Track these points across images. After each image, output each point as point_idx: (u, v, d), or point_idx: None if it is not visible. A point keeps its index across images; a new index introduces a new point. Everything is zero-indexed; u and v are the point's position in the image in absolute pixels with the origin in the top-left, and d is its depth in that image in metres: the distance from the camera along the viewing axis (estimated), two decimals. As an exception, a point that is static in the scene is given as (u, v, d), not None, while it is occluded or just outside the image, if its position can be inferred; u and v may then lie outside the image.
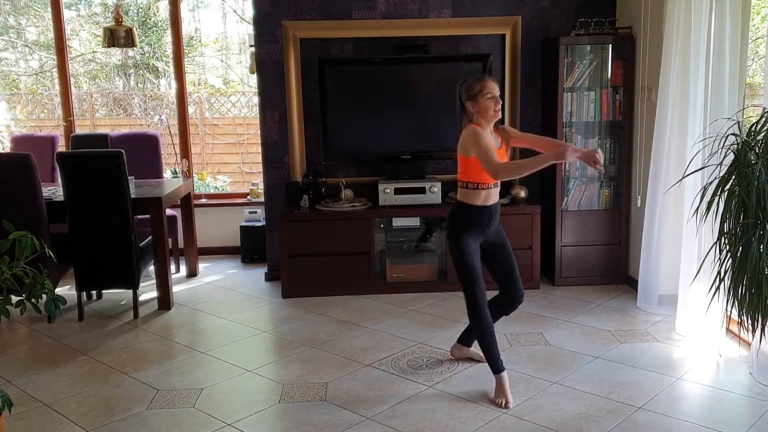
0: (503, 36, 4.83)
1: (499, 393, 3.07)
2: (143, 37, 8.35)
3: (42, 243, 2.48)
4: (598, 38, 4.55)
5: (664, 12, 3.95)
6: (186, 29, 6.80)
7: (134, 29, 5.37)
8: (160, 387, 3.30)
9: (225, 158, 7.45)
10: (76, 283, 4.25)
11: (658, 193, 4.02)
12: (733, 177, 2.93)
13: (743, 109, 3.55)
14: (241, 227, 5.62)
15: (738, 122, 3.05)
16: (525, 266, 4.67)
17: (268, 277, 5.11)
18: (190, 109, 6.43)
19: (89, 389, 3.29)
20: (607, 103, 4.61)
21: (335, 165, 4.94)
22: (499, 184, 3.14)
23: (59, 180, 4.16)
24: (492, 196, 3.12)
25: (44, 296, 2.46)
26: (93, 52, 8.33)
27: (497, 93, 3.04)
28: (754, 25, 3.85)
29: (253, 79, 5.15)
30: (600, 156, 2.85)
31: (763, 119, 2.92)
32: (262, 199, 5.42)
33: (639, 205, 4.46)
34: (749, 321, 2.97)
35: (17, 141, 5.39)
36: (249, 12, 4.94)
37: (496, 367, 3.09)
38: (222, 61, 8.65)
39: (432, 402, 3.06)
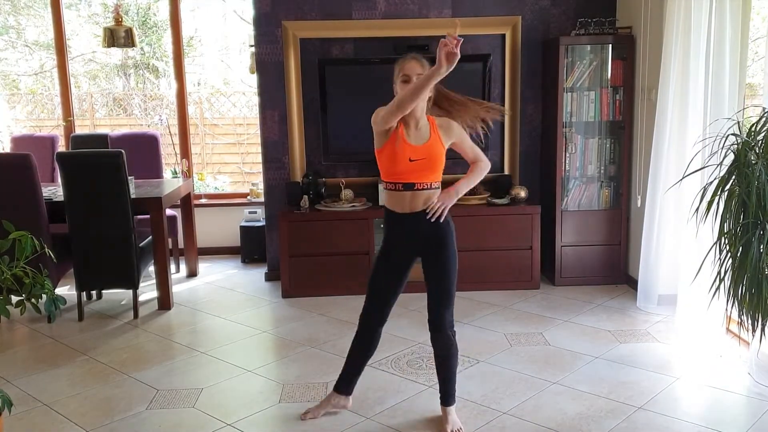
0: (503, 36, 4.84)
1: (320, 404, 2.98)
2: (143, 37, 8.35)
3: (42, 243, 2.48)
4: (598, 38, 4.55)
5: (664, 12, 3.95)
6: (186, 29, 6.79)
7: (134, 29, 5.37)
8: (160, 387, 3.30)
9: (225, 158, 7.45)
10: (76, 283, 4.25)
11: (658, 193, 4.02)
12: (733, 177, 2.93)
13: (743, 109, 3.55)
14: (241, 227, 5.62)
15: (738, 122, 3.05)
16: (525, 266, 4.68)
17: (268, 277, 5.11)
18: (190, 109, 6.43)
19: (89, 389, 3.29)
20: (607, 103, 4.61)
21: (335, 165, 4.94)
22: (422, 185, 2.65)
23: (59, 180, 4.16)
24: (404, 200, 2.68)
25: (44, 296, 2.46)
26: (93, 52, 8.32)
27: (414, 73, 2.56)
28: (754, 25, 3.85)
29: (253, 79, 5.14)
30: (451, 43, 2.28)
31: (763, 119, 2.91)
32: (262, 199, 5.42)
33: (639, 205, 4.46)
34: (749, 321, 2.97)
35: (17, 141, 5.39)
36: (249, 12, 4.94)
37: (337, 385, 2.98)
38: (222, 61, 8.64)
39: (432, 402, 3.06)
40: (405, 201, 2.69)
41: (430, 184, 2.69)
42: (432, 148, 2.66)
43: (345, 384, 2.97)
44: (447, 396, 2.87)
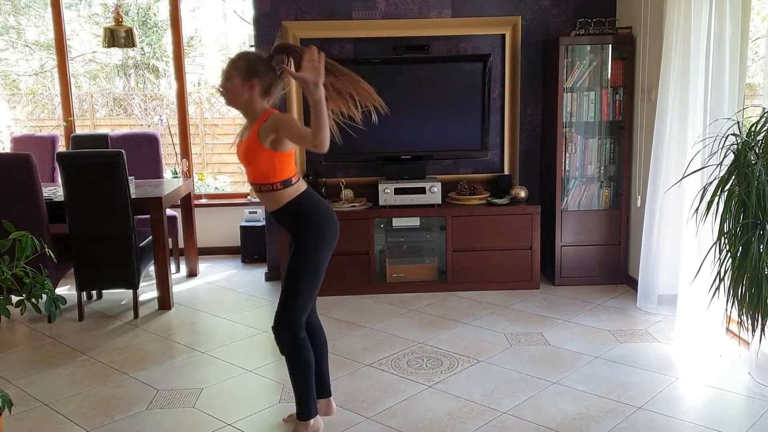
0: (503, 36, 4.83)
1: None
2: (143, 37, 8.35)
3: (42, 243, 2.48)
4: (598, 38, 4.55)
5: (664, 12, 3.95)
6: (186, 29, 6.79)
7: (134, 29, 5.37)
8: (160, 387, 3.30)
9: (225, 158, 7.45)
10: (76, 283, 4.25)
11: (658, 193, 4.02)
12: (733, 177, 2.93)
13: (743, 109, 3.55)
14: (241, 227, 5.62)
15: (738, 122, 3.05)
16: (525, 266, 4.68)
17: (268, 277, 5.11)
18: (190, 109, 6.43)
19: (89, 389, 3.29)
20: (607, 103, 4.61)
21: (335, 165, 4.94)
22: (261, 189, 2.59)
23: (59, 180, 4.16)
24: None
25: (44, 296, 2.46)
26: (93, 52, 8.33)
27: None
28: (754, 25, 3.84)
29: (253, 79, 5.14)
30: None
31: (763, 119, 2.92)
32: (262, 199, 5.41)
33: (639, 205, 4.46)
34: (749, 321, 2.97)
35: (17, 141, 5.39)
36: (249, 12, 4.94)
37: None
38: (222, 61, 8.64)
39: (432, 402, 3.06)
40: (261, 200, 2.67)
41: (260, 186, 2.57)
42: (244, 146, 2.56)
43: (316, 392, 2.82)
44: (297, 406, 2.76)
